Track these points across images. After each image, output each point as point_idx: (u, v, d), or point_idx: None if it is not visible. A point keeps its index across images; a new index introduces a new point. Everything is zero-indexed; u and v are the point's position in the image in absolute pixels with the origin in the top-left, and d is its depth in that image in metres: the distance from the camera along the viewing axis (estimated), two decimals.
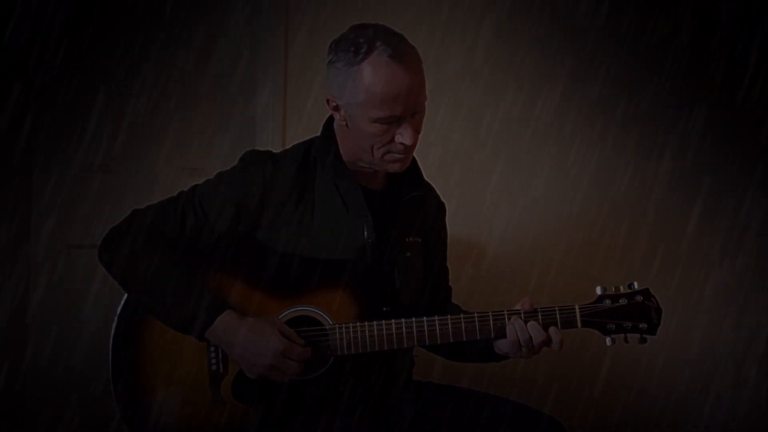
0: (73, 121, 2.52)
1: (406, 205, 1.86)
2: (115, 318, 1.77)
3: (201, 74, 2.64)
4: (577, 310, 1.75)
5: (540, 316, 1.74)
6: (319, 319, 1.74)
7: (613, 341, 1.76)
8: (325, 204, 1.80)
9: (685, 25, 2.67)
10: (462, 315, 1.76)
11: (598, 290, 1.77)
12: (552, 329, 1.73)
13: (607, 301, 1.76)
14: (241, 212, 1.77)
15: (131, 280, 1.73)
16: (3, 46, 2.39)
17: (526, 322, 1.74)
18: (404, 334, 1.74)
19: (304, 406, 1.73)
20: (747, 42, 2.66)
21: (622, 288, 1.77)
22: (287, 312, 1.75)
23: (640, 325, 1.75)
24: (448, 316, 1.75)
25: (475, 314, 1.76)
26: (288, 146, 1.92)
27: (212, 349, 1.74)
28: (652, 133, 2.68)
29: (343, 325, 1.73)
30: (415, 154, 1.84)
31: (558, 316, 1.75)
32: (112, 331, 1.76)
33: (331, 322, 1.74)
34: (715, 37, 2.66)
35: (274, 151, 1.88)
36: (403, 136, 1.73)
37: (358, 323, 1.73)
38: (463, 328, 1.75)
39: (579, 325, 1.75)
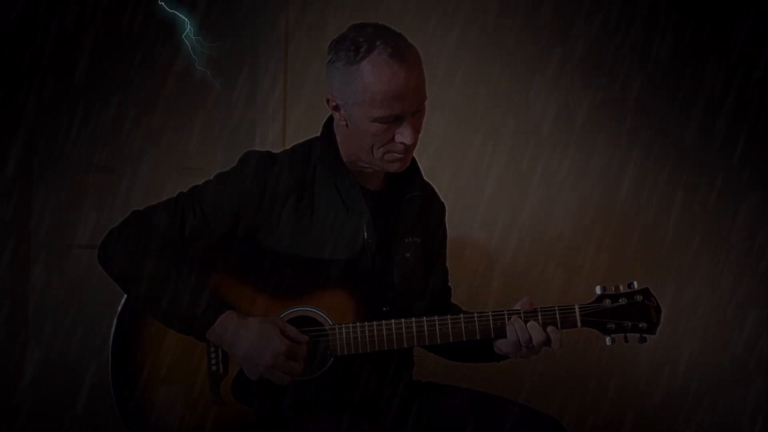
0: (73, 121, 2.52)
1: (406, 205, 1.86)
2: (115, 318, 1.77)
3: (201, 74, 2.64)
4: (577, 310, 1.75)
5: (540, 316, 1.74)
6: (318, 320, 1.75)
7: (613, 341, 1.76)
8: (325, 204, 1.80)
9: (683, 25, 2.67)
10: (462, 315, 1.76)
11: (598, 290, 1.77)
12: (550, 329, 1.73)
13: (607, 301, 1.76)
14: (241, 213, 1.77)
15: (131, 281, 1.73)
16: (3, 47, 2.39)
17: (526, 322, 1.74)
18: (404, 334, 1.74)
19: (303, 407, 1.73)
20: (746, 41, 2.66)
21: (621, 287, 1.77)
22: (287, 312, 1.75)
23: (640, 325, 1.75)
24: (448, 317, 1.75)
25: (475, 314, 1.76)
26: (288, 146, 1.92)
27: (212, 349, 1.74)
28: (653, 133, 2.68)
29: (343, 325, 1.73)
30: (414, 154, 1.84)
31: (558, 315, 1.75)
32: (112, 331, 1.76)
33: (330, 323, 1.74)
34: (713, 37, 2.66)
35: (274, 151, 1.88)
36: (403, 135, 1.73)
37: (357, 323, 1.73)
38: (463, 328, 1.75)
39: (579, 324, 1.75)
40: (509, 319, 1.74)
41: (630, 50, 2.66)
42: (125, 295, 1.77)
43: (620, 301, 1.76)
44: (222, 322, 1.68)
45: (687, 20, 2.66)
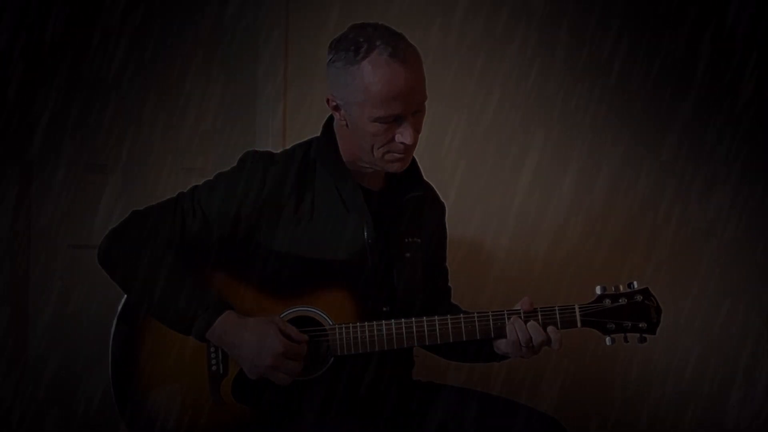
0: (73, 120, 2.52)
1: (406, 205, 1.86)
2: (115, 318, 1.77)
3: (201, 74, 2.64)
4: (577, 310, 1.75)
5: (540, 316, 1.74)
6: (318, 320, 1.75)
7: (613, 341, 1.76)
8: (325, 204, 1.80)
9: (685, 24, 2.67)
10: (462, 315, 1.76)
11: (598, 290, 1.77)
12: (550, 329, 1.73)
13: (607, 301, 1.76)
14: (241, 213, 1.77)
15: (131, 281, 1.73)
16: (3, 46, 2.39)
17: (525, 322, 1.73)
18: (404, 334, 1.74)
19: (304, 407, 1.73)
20: (747, 40, 2.66)
21: (621, 287, 1.77)
22: (287, 312, 1.75)
23: (640, 325, 1.75)
24: (448, 316, 1.75)
25: (475, 314, 1.76)
26: (288, 146, 1.92)
27: (212, 349, 1.74)
28: (653, 133, 2.68)
29: (343, 325, 1.73)
30: (415, 154, 1.84)
31: (558, 315, 1.75)
32: (112, 331, 1.77)
33: (331, 323, 1.74)
34: (715, 36, 2.66)
35: (274, 151, 1.88)
36: (403, 135, 1.73)
37: (357, 323, 1.73)
38: (463, 328, 1.75)
39: (579, 324, 1.75)
40: (509, 319, 1.74)
41: (637, 49, 2.66)
42: (125, 295, 1.77)
43: (620, 301, 1.76)
44: (221, 323, 1.68)
45: (692, 21, 2.66)
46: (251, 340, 1.67)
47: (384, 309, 1.77)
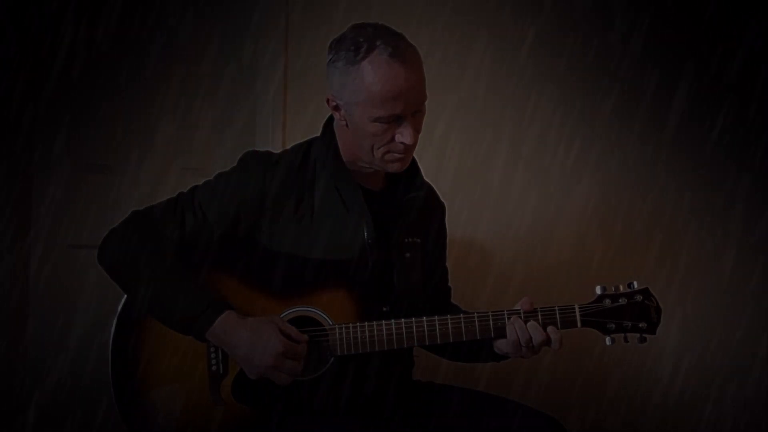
0: (73, 120, 2.52)
1: (406, 205, 1.86)
2: (115, 318, 1.77)
3: (201, 74, 2.64)
4: (577, 310, 1.75)
5: (540, 316, 1.74)
6: (318, 320, 1.75)
7: (613, 341, 1.77)
8: (325, 204, 1.80)
9: (691, 24, 2.67)
10: (462, 315, 1.76)
11: (598, 290, 1.77)
12: (550, 329, 1.73)
13: (607, 301, 1.76)
14: (241, 213, 1.77)
15: (130, 282, 1.73)
16: (3, 45, 2.39)
17: (526, 322, 1.74)
18: (404, 334, 1.74)
19: (303, 407, 1.73)
20: (749, 41, 2.66)
21: (621, 287, 1.78)
22: (287, 312, 1.75)
23: (640, 325, 1.76)
24: (448, 316, 1.75)
25: (475, 314, 1.76)
26: (288, 146, 1.92)
27: (212, 349, 1.74)
28: (654, 132, 2.68)
29: (343, 325, 1.73)
30: (416, 154, 1.84)
31: (558, 315, 1.75)
32: (112, 332, 1.77)
33: (330, 323, 1.74)
34: (718, 38, 2.66)
35: (274, 151, 1.88)
36: (403, 135, 1.73)
37: (357, 323, 1.73)
38: (463, 328, 1.75)
39: (579, 324, 1.75)
40: (509, 319, 1.74)
41: (639, 51, 2.66)
42: (125, 295, 1.77)
43: (620, 301, 1.76)
44: (221, 323, 1.68)
45: (694, 22, 2.66)
46: (251, 340, 1.67)
47: (384, 309, 1.77)
